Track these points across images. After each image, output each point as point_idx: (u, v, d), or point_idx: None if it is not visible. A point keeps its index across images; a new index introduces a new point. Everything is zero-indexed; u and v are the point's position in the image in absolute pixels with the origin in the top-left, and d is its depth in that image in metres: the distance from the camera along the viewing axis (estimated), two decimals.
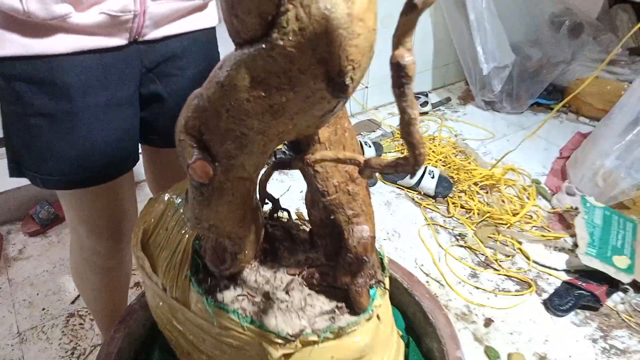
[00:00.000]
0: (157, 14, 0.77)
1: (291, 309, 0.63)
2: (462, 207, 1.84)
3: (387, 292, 0.70)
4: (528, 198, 1.87)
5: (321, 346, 0.62)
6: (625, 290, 1.50)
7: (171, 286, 0.68)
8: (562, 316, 1.43)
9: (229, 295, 0.64)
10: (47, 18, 0.68)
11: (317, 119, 0.47)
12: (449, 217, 1.80)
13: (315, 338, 0.61)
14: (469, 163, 2.05)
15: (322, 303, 0.65)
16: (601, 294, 1.45)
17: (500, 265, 1.59)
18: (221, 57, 0.94)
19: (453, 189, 1.90)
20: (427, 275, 1.56)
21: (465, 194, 1.89)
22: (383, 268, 0.70)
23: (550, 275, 1.56)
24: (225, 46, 0.92)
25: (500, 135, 2.31)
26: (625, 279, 1.46)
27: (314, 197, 0.60)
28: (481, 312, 1.44)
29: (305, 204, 0.64)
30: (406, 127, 0.38)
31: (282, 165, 0.57)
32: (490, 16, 2.23)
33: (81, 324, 1.36)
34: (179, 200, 0.74)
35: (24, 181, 1.72)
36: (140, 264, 0.72)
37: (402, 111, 0.38)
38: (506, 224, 1.74)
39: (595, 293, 1.45)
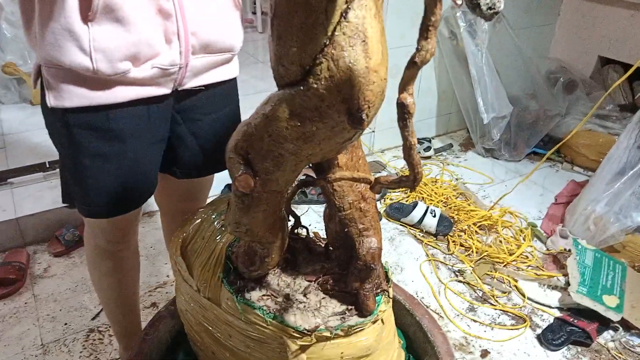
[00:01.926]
0: (196, 67, 0.90)
1: (308, 308, 0.74)
2: (461, 245, 1.94)
3: (391, 301, 0.80)
4: (524, 239, 1.98)
5: (333, 342, 0.73)
6: (615, 329, 1.58)
7: (205, 286, 0.79)
8: (555, 350, 1.51)
9: (255, 295, 0.75)
10: (111, 74, 0.80)
11: (338, 145, 0.60)
12: (449, 254, 1.90)
13: (328, 334, 0.72)
14: (469, 204, 2.17)
15: (335, 305, 0.76)
16: (592, 331, 1.53)
17: (496, 301, 1.68)
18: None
19: (453, 228, 2.01)
20: (427, 307, 1.64)
21: (465, 233, 2.00)
22: (388, 279, 0.81)
23: (544, 311, 1.64)
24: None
25: (498, 180, 2.44)
26: (614, 317, 1.54)
27: (331, 212, 0.73)
28: (478, 344, 1.52)
29: (323, 218, 0.77)
30: (408, 151, 0.51)
31: (308, 183, 0.70)
32: (489, 71, 2.41)
33: (100, 339, 1.45)
34: (214, 215, 0.86)
35: (51, 204, 1.87)
36: (177, 268, 0.83)
37: (405, 139, 0.51)
38: (503, 263, 1.84)
39: (586, 330, 1.53)
